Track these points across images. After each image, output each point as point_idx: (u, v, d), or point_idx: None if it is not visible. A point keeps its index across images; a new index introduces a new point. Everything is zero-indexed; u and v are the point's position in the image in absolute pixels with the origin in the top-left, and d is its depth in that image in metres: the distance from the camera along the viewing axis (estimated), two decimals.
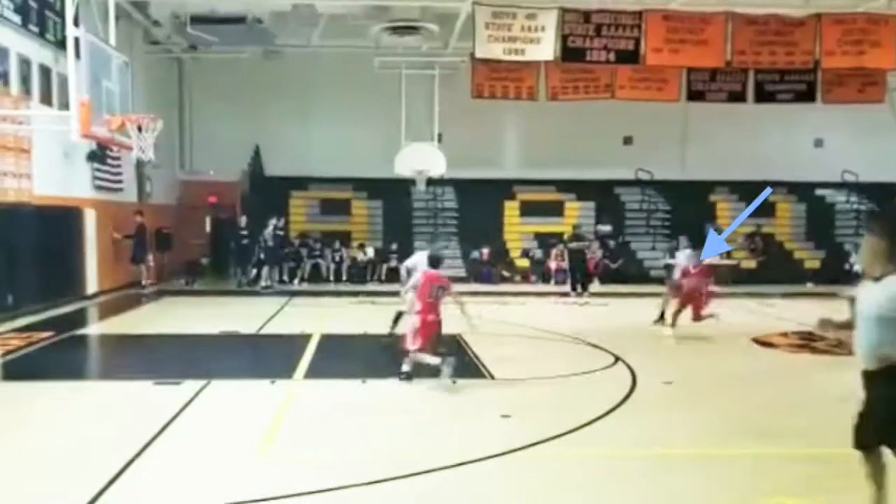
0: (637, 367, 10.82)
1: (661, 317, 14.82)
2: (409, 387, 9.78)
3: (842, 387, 10.02)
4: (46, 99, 16.51)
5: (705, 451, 7.33)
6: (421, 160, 23.76)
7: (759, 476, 6.52)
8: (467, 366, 10.95)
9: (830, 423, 8.21)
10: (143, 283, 20.80)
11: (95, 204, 18.92)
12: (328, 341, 13.13)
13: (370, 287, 22.32)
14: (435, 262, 10.42)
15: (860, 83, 22.68)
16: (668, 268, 22.89)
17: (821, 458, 6.97)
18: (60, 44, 15.15)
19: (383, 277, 23.26)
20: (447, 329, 11.21)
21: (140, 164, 20.36)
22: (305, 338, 13.18)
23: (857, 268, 24.20)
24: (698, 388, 9.91)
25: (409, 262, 12.44)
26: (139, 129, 12.00)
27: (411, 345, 9.82)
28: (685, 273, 14.33)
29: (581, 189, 26.75)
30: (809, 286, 23.68)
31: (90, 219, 18.54)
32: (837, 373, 11.29)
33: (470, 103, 22.41)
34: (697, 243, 15.34)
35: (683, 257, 14.77)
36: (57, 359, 12.00)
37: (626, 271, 24.53)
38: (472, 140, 25.30)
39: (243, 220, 22.50)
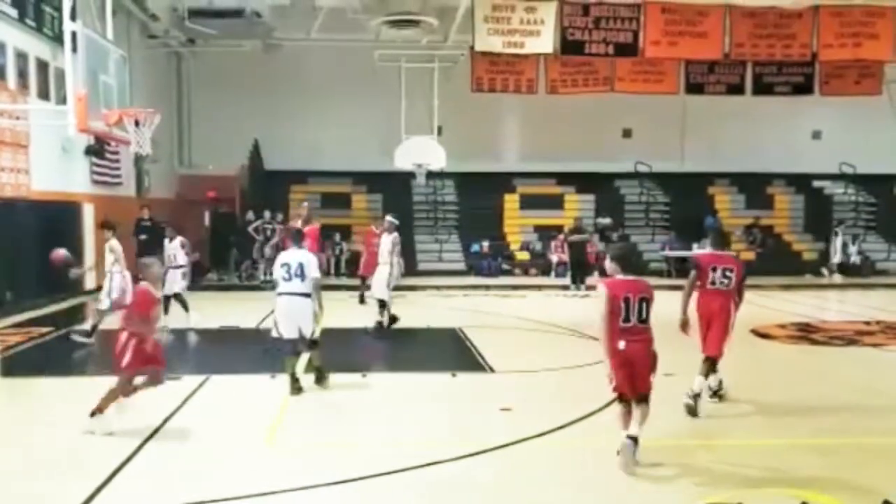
0: None
1: None
2: (407, 380, 9.80)
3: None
4: (44, 93, 16.47)
5: (705, 441, 7.35)
6: (421, 153, 23.73)
7: (760, 466, 6.55)
8: (467, 359, 10.95)
9: (830, 414, 8.29)
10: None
11: (94, 199, 18.89)
12: (328, 335, 13.10)
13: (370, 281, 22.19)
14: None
15: (857, 75, 22.77)
16: (668, 260, 23.06)
17: (821, 449, 7.00)
18: (58, 38, 15.10)
19: None
20: (444, 322, 11.05)
21: (138, 159, 20.32)
22: None
23: (853, 259, 24.38)
24: None
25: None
26: (137, 123, 11.92)
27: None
28: None
29: (581, 182, 26.74)
30: (808, 277, 23.73)
31: (89, 214, 18.50)
32: (834, 363, 11.38)
33: (470, 96, 22.41)
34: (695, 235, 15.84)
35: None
36: (57, 355, 12.00)
37: None
38: (472, 133, 25.30)
39: (250, 214, 22.60)
